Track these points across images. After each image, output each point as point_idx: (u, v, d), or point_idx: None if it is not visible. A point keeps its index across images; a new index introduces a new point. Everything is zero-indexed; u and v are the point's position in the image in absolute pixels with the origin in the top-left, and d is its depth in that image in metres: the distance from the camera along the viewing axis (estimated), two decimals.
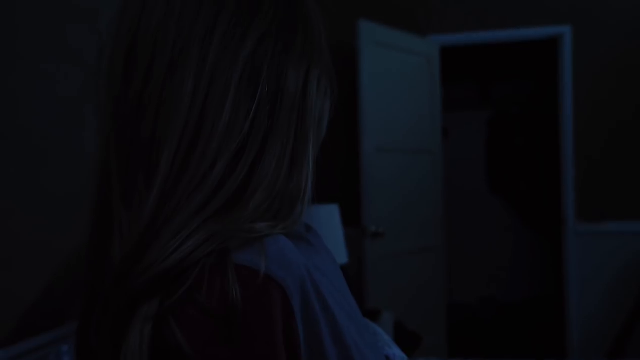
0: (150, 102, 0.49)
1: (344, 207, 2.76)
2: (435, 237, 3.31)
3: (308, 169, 0.54)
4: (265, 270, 0.44)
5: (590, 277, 3.22)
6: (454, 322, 4.17)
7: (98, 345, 0.47)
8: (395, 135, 3.03)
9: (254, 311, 0.43)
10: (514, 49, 4.41)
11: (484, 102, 5.19)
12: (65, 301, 1.49)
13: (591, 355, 3.21)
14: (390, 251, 2.96)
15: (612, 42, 3.19)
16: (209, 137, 0.48)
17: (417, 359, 2.36)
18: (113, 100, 0.51)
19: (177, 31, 0.49)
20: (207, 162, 0.47)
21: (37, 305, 1.42)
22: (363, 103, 2.83)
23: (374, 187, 2.89)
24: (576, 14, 3.21)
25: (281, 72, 0.52)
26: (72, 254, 1.50)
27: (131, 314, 0.44)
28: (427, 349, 3.00)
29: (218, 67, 0.49)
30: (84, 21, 1.58)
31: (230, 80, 0.49)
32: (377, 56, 2.91)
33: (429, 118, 3.26)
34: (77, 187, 1.48)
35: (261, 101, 0.50)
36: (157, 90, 0.48)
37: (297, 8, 0.55)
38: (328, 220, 2.32)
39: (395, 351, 1.03)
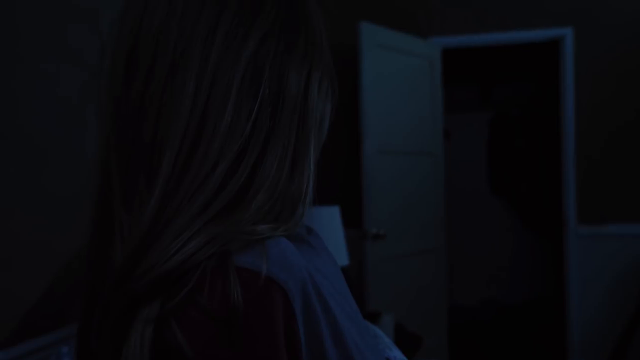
0: (152, 103, 0.48)
1: (345, 208, 2.76)
2: (436, 238, 3.31)
3: (309, 171, 0.54)
4: (267, 273, 0.44)
5: (591, 279, 3.22)
6: (454, 324, 4.17)
7: (98, 347, 0.47)
8: (396, 137, 3.03)
9: (255, 313, 0.43)
10: (515, 51, 4.42)
11: (485, 104, 5.19)
12: (66, 302, 1.48)
13: (592, 357, 3.20)
14: (391, 253, 2.96)
15: (613, 44, 3.18)
16: (210, 138, 0.47)
17: None
18: (114, 101, 0.51)
19: (178, 31, 0.49)
20: (209, 164, 0.47)
21: (37, 306, 1.42)
22: (364, 105, 2.83)
23: (375, 189, 2.88)
24: (577, 16, 3.22)
25: (283, 73, 0.51)
26: (73, 254, 1.50)
27: (132, 316, 0.44)
28: (427, 350, 3.00)
29: (220, 67, 0.48)
30: (85, 21, 1.58)
31: (232, 81, 0.48)
32: (379, 58, 2.91)
33: (430, 120, 3.26)
34: (78, 187, 1.48)
35: (263, 102, 0.50)
36: (159, 92, 0.48)
37: (298, 8, 0.55)
38: (329, 221, 2.32)
39: (396, 353, 1.02)
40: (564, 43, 3.23)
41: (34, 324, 1.40)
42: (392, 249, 2.95)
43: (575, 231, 3.23)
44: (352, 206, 3.03)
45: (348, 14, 3.27)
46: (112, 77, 0.51)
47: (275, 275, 0.44)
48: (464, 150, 5.17)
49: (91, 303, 0.52)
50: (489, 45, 3.40)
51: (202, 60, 0.48)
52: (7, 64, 1.35)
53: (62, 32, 1.52)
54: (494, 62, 4.85)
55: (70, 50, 1.54)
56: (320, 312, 0.48)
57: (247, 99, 0.49)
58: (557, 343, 3.92)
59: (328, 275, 0.56)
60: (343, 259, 2.34)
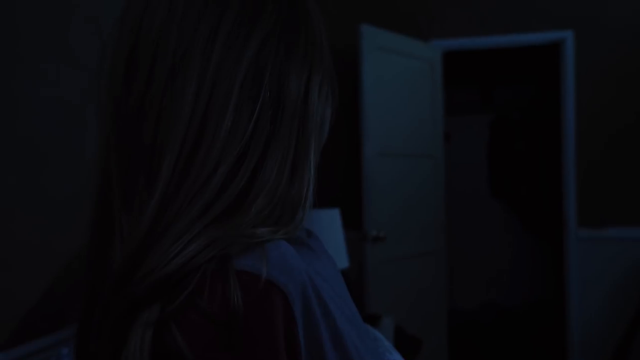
0: (152, 107, 0.48)
1: (345, 211, 2.75)
2: (436, 241, 3.30)
3: (309, 175, 0.54)
4: (267, 276, 0.44)
5: (591, 282, 3.21)
6: (454, 326, 4.16)
7: (98, 349, 0.47)
8: (396, 140, 3.03)
9: (255, 316, 0.43)
10: (516, 54, 4.42)
11: (486, 106, 5.19)
12: (66, 303, 1.48)
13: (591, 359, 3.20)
14: (391, 255, 2.96)
15: (613, 47, 3.19)
16: (211, 141, 0.47)
17: None
18: (114, 101, 0.51)
19: (179, 33, 0.49)
20: (209, 167, 0.47)
21: (37, 307, 1.41)
22: (365, 107, 2.83)
23: (375, 192, 2.88)
24: (578, 19, 3.22)
25: (283, 75, 0.51)
26: (73, 254, 1.49)
27: (132, 319, 0.43)
28: (427, 353, 3.00)
29: (222, 67, 0.48)
30: (85, 22, 1.58)
31: (234, 81, 0.48)
32: (379, 61, 2.91)
33: (431, 122, 3.26)
34: (78, 188, 1.48)
35: (263, 105, 0.50)
36: (159, 96, 0.48)
37: (298, 9, 0.55)
38: (329, 224, 2.31)
39: (396, 357, 1.02)
40: (564, 46, 3.23)
41: (33, 325, 1.39)
42: (392, 251, 2.95)
43: (575, 234, 3.23)
44: (352, 208, 3.03)
45: (348, 16, 3.27)
46: (112, 77, 0.51)
47: (275, 279, 0.44)
48: (465, 152, 5.17)
49: (91, 303, 0.52)
50: (490, 48, 3.40)
51: (204, 60, 0.48)
52: (7, 64, 1.35)
53: (63, 32, 1.52)
54: (495, 64, 4.86)
55: (70, 51, 1.54)
56: (320, 315, 0.48)
57: (248, 101, 0.49)
58: (557, 346, 3.92)
59: (328, 278, 0.56)
60: (343, 262, 2.34)
